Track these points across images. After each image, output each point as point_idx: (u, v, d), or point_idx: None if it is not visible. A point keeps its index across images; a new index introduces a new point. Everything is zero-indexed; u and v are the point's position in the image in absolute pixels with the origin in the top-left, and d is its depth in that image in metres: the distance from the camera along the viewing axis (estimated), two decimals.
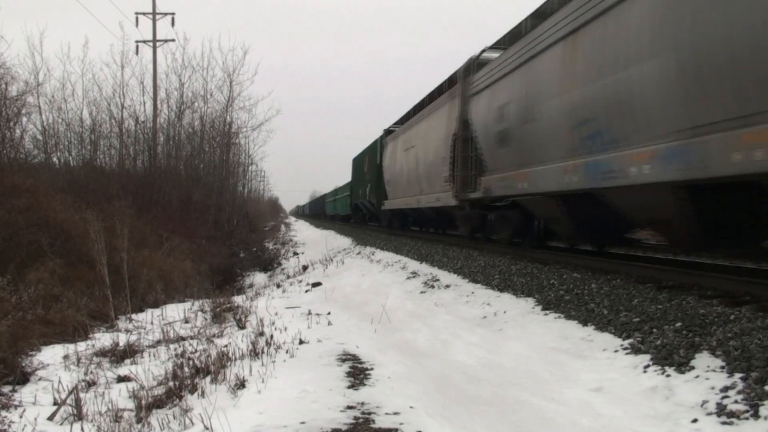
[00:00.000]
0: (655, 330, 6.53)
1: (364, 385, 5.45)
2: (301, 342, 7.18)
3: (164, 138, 29.23)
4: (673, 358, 5.69)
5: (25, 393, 6.08)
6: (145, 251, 14.88)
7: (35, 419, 5.27)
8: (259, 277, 22.22)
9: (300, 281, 15.99)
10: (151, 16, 28.30)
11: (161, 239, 17.69)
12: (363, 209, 38.19)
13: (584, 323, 7.49)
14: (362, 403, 4.88)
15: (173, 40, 32.65)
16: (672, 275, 8.75)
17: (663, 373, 5.49)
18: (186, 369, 6.29)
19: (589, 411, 5.04)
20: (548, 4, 10.92)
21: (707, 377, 5.17)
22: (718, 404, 4.68)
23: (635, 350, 6.19)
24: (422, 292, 11.71)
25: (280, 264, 25.54)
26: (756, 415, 4.41)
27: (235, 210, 36.46)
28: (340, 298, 11.90)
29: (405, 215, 26.61)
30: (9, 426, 5.17)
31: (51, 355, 7.59)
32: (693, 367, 5.41)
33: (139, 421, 5.13)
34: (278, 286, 16.15)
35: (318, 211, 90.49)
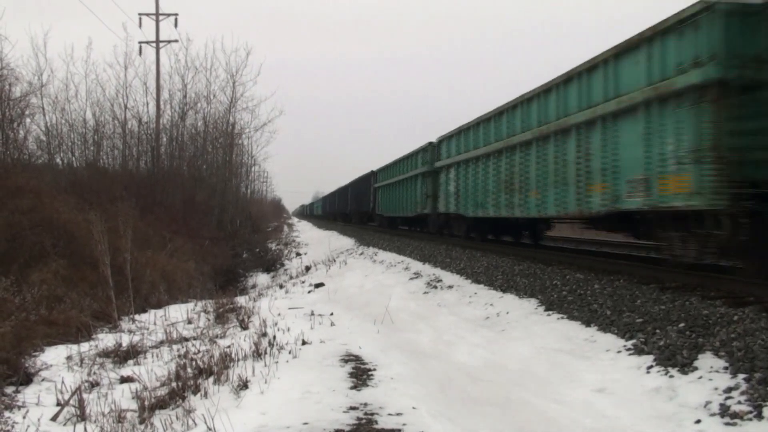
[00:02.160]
0: (658, 331, 6.52)
1: (367, 385, 5.45)
2: (303, 343, 7.19)
3: (167, 139, 29.27)
4: (676, 358, 5.68)
5: (28, 394, 6.10)
6: (149, 252, 14.90)
7: (38, 420, 5.29)
8: (261, 278, 22.24)
9: (303, 282, 16.00)
10: (154, 17, 28.37)
11: (164, 240, 17.72)
12: None
13: (587, 324, 7.48)
14: (365, 404, 4.89)
15: (176, 41, 32.73)
16: (675, 276, 8.73)
17: (666, 374, 5.48)
18: (189, 370, 6.30)
19: (593, 412, 5.03)
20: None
21: (710, 378, 5.16)
22: (722, 405, 4.68)
23: (638, 351, 6.18)
24: (425, 293, 11.71)
25: (282, 265, 25.55)
26: (759, 416, 4.40)
27: (238, 211, 36.49)
28: (343, 298, 11.90)
29: None
30: (12, 426, 5.18)
31: (54, 355, 7.61)
32: (696, 368, 5.40)
33: (142, 422, 5.15)
34: (281, 286, 16.16)
35: (347, 210, 48.14)
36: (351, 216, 46.50)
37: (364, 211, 38.97)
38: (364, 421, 4.50)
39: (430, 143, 20.65)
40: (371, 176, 35.39)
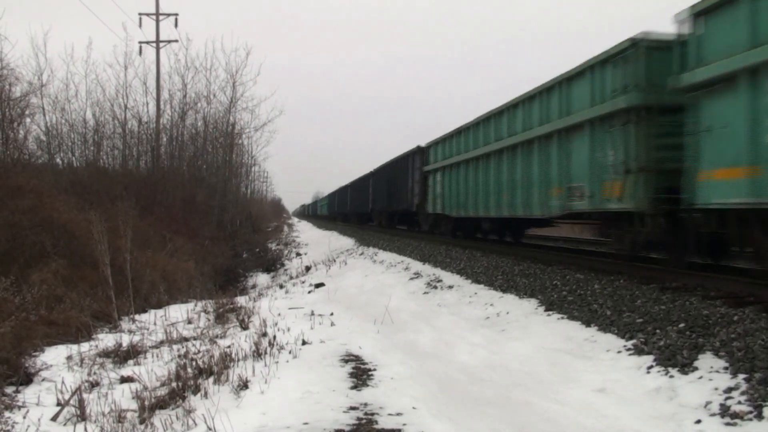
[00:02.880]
0: (658, 331, 6.52)
1: (367, 385, 5.45)
2: (304, 343, 7.19)
3: (167, 139, 29.25)
4: (676, 359, 5.68)
5: (28, 394, 6.09)
6: (149, 252, 14.89)
7: (39, 420, 5.28)
8: (262, 278, 22.23)
9: (303, 282, 16.00)
10: (154, 17, 28.35)
11: (164, 240, 17.71)
12: None
13: (587, 324, 7.48)
14: (365, 404, 4.89)
15: (176, 41, 32.76)
16: (675, 276, 8.73)
17: (666, 374, 5.48)
18: (189, 370, 6.30)
19: (593, 412, 5.03)
20: None
21: (711, 378, 5.16)
22: (722, 405, 4.68)
23: (639, 351, 6.18)
24: (425, 293, 11.70)
25: (283, 265, 25.55)
26: (759, 416, 4.40)
27: (238, 211, 36.46)
28: (343, 298, 11.90)
29: None
30: (12, 426, 5.18)
31: (54, 355, 7.61)
32: (696, 368, 5.40)
33: (142, 422, 5.15)
34: (281, 286, 16.16)
35: (366, 208, 36.74)
36: (373, 216, 34.38)
37: (398, 209, 26.63)
38: (364, 421, 4.50)
39: (632, 42, 8.97)
40: (415, 155, 22.72)
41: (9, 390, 6.21)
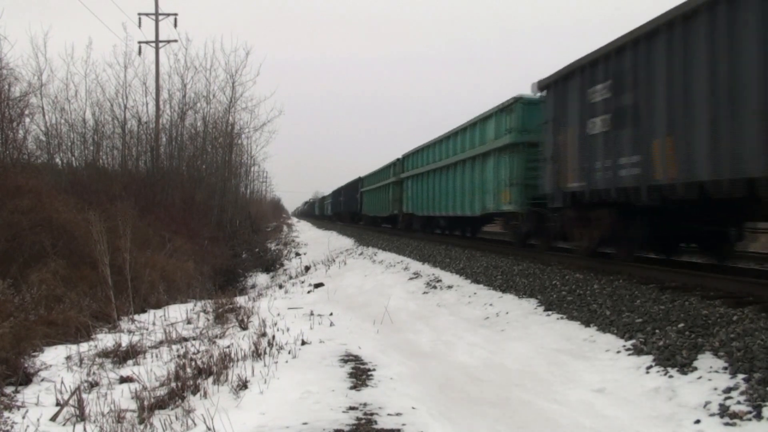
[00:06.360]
0: (657, 331, 6.52)
1: (367, 386, 5.46)
2: (303, 343, 7.19)
3: (167, 139, 29.25)
4: (675, 359, 5.69)
5: (27, 394, 6.09)
6: (148, 252, 14.89)
7: (38, 420, 5.28)
8: (261, 278, 22.24)
9: (302, 282, 15.99)
10: (153, 17, 28.33)
11: (164, 240, 17.71)
12: None
13: (587, 324, 7.48)
14: (364, 404, 4.89)
15: (176, 41, 32.69)
16: (675, 276, 8.74)
17: (666, 374, 5.48)
18: (188, 370, 6.30)
19: (592, 412, 5.03)
20: None
21: (710, 378, 5.16)
22: (721, 405, 4.68)
23: (638, 351, 6.18)
24: (425, 293, 11.71)
25: (282, 265, 25.55)
26: (759, 416, 4.40)
27: (238, 211, 36.47)
28: (342, 298, 11.91)
29: None
30: (11, 427, 5.18)
31: (53, 356, 7.60)
32: (696, 368, 5.40)
33: (141, 422, 5.14)
34: (280, 286, 16.16)
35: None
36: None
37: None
38: (363, 421, 4.51)
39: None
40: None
41: (8, 390, 6.21)
